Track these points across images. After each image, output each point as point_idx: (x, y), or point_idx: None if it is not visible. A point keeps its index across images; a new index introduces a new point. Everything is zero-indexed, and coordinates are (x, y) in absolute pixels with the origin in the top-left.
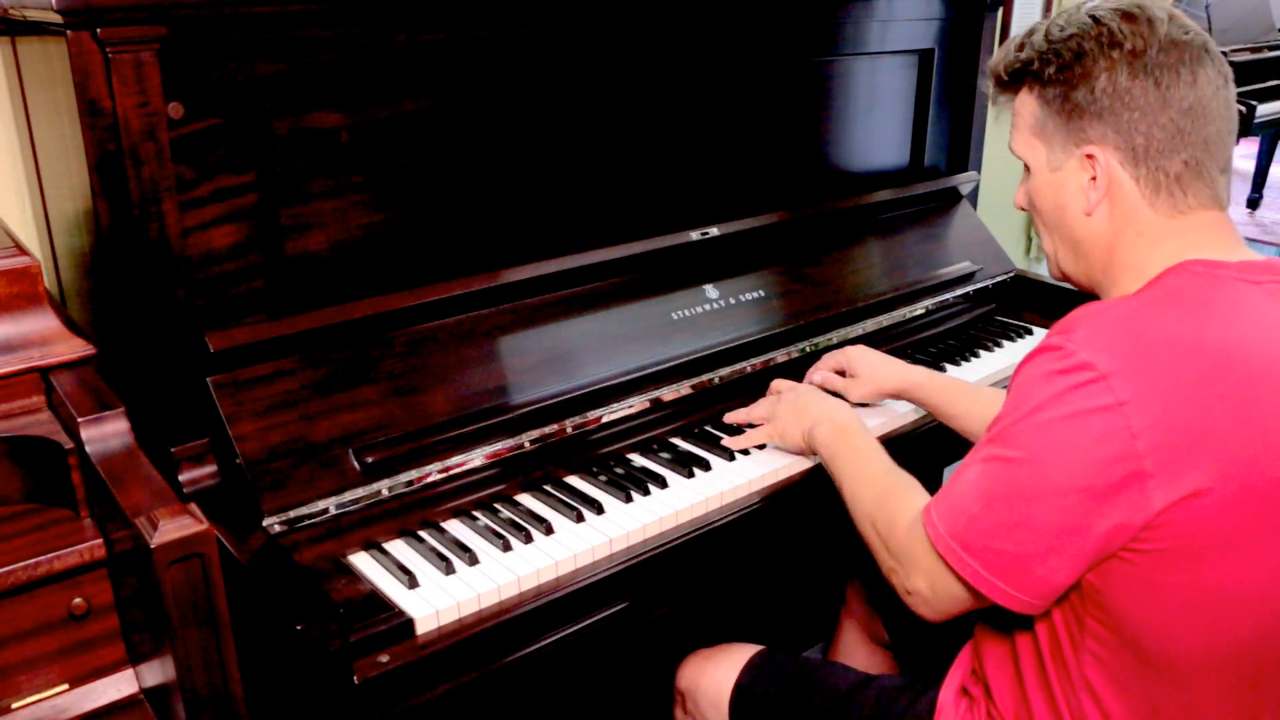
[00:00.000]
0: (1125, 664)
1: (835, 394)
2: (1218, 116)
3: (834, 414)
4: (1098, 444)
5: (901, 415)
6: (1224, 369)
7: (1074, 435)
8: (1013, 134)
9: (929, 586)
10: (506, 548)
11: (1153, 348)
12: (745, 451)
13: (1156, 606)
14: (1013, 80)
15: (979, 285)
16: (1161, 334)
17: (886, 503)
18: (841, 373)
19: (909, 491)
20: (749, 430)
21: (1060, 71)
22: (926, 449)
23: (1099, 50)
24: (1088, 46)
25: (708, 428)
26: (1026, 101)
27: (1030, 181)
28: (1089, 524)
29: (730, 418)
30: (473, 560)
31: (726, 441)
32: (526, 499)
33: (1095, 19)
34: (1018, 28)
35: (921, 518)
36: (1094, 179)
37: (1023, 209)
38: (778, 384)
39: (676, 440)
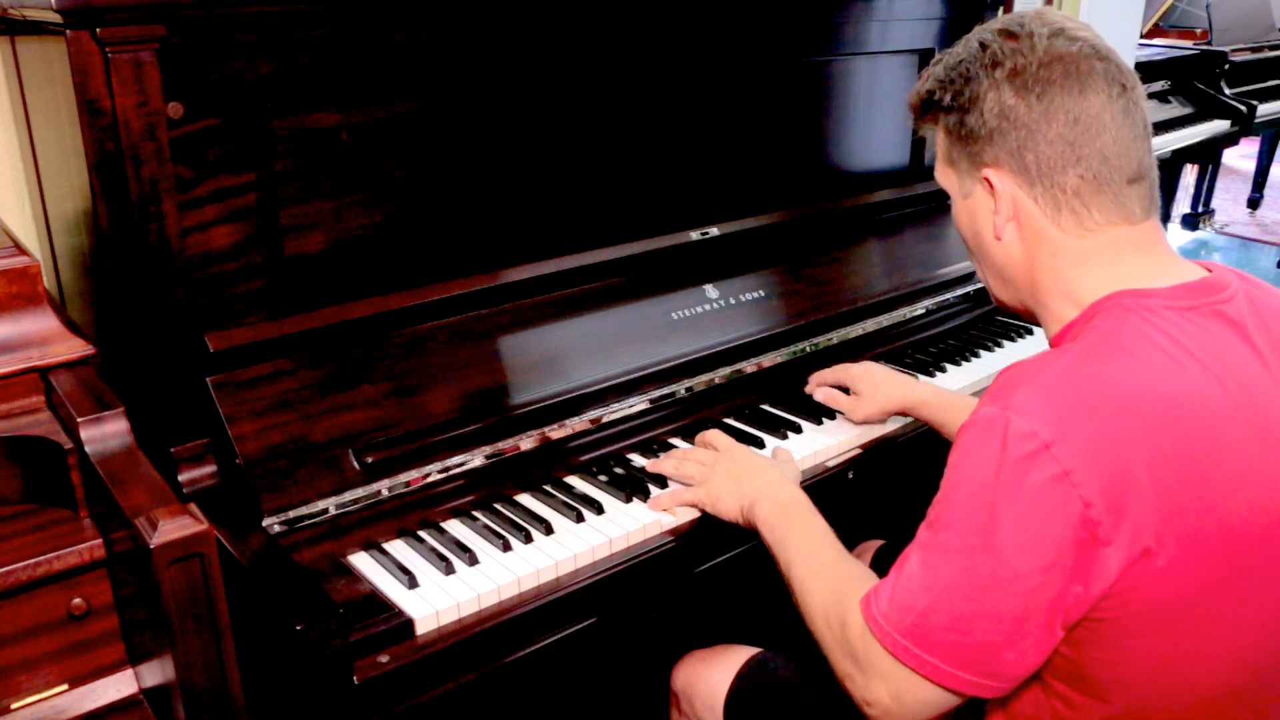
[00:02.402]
0: (1091, 714)
1: (837, 411)
2: (1113, 125)
3: (777, 489)
4: (1053, 518)
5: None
6: (1165, 422)
7: (1028, 514)
8: (935, 164)
9: (891, 695)
10: (506, 548)
11: (1092, 408)
12: (652, 487)
13: (1123, 668)
14: (924, 111)
15: (979, 285)
16: (1099, 391)
17: (840, 599)
18: (843, 389)
19: (865, 586)
20: (674, 488)
21: (955, 99)
22: (918, 455)
23: (983, 72)
24: (974, 70)
25: (707, 428)
26: (937, 131)
27: (952, 210)
28: (1056, 601)
29: (655, 468)
30: (472, 560)
31: (650, 504)
32: (526, 499)
33: (981, 43)
34: None
35: (864, 616)
36: (998, 203)
37: None
38: (713, 437)
39: (676, 440)
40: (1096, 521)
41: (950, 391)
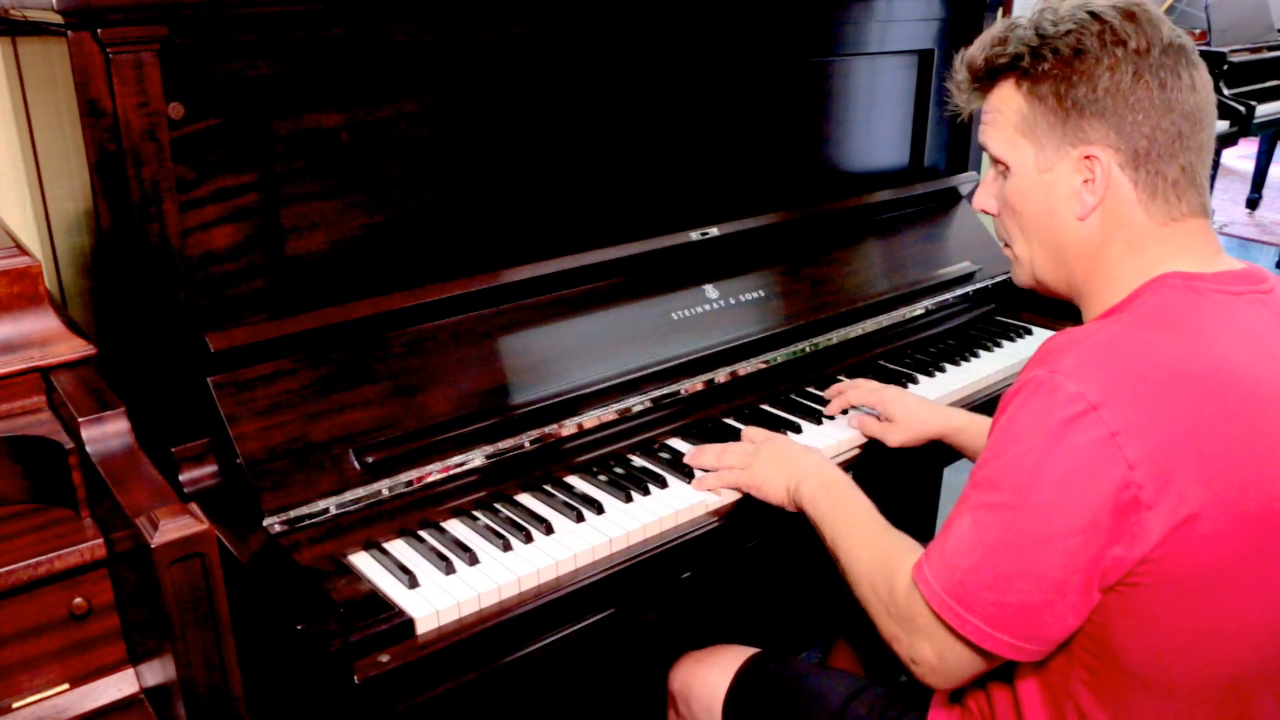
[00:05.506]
0: (1115, 688)
1: (872, 438)
2: (1211, 123)
3: (821, 470)
4: (1095, 479)
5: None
6: (1212, 392)
7: (1070, 473)
8: (988, 132)
9: (936, 654)
10: (506, 547)
11: (1140, 374)
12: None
13: (1151, 639)
14: (991, 75)
15: (978, 285)
16: (1148, 359)
17: (886, 564)
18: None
19: (909, 553)
20: (721, 470)
21: (1059, 67)
22: (916, 454)
23: (1101, 47)
24: (1089, 43)
25: (708, 427)
26: (1010, 98)
27: (1010, 183)
28: (1095, 562)
29: (695, 460)
30: (473, 560)
31: (694, 484)
32: (526, 499)
33: (1095, 14)
34: None
35: (914, 576)
36: (1088, 181)
37: (986, 212)
38: (752, 432)
39: (676, 440)
40: (1140, 484)
41: (986, 419)
